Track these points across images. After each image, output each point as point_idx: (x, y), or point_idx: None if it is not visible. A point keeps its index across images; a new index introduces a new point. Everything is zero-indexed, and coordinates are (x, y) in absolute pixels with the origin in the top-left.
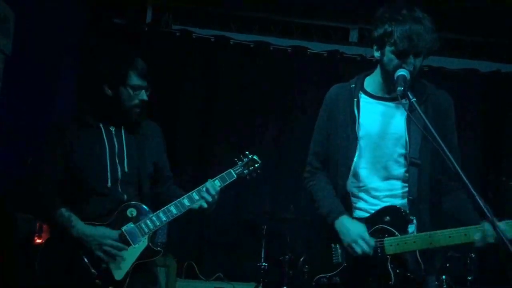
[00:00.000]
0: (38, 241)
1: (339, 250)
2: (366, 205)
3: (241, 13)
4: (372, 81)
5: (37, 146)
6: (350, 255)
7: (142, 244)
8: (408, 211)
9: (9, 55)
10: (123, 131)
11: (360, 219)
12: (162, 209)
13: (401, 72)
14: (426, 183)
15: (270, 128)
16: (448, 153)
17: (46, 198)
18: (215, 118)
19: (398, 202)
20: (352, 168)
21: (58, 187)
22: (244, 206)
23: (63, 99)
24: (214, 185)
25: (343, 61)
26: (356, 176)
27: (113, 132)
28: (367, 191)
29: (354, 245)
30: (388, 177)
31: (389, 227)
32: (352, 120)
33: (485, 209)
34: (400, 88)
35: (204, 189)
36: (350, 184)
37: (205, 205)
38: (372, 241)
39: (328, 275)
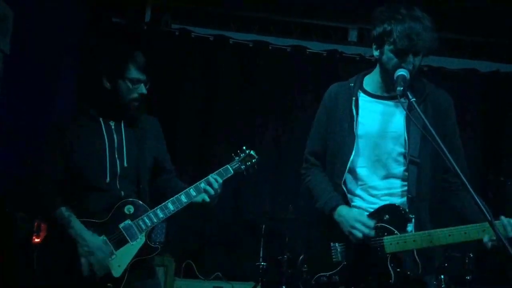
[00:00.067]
0: (37, 240)
1: (339, 249)
2: (364, 203)
3: (241, 13)
4: (371, 80)
5: (37, 146)
6: (350, 254)
7: (139, 241)
8: (407, 210)
9: (7, 54)
10: (122, 126)
11: None
12: (160, 206)
13: (401, 72)
14: (426, 181)
15: (270, 128)
16: (446, 153)
17: (46, 198)
18: (215, 118)
19: (397, 200)
20: (349, 166)
21: (58, 186)
22: (243, 206)
23: (63, 99)
24: (217, 178)
25: (342, 61)
26: (354, 174)
27: (113, 127)
28: (365, 190)
29: (353, 231)
30: (387, 176)
31: (388, 226)
32: (350, 119)
33: (484, 209)
34: (399, 88)
35: (206, 182)
36: (347, 182)
37: (207, 199)
38: (371, 222)
39: (327, 273)
